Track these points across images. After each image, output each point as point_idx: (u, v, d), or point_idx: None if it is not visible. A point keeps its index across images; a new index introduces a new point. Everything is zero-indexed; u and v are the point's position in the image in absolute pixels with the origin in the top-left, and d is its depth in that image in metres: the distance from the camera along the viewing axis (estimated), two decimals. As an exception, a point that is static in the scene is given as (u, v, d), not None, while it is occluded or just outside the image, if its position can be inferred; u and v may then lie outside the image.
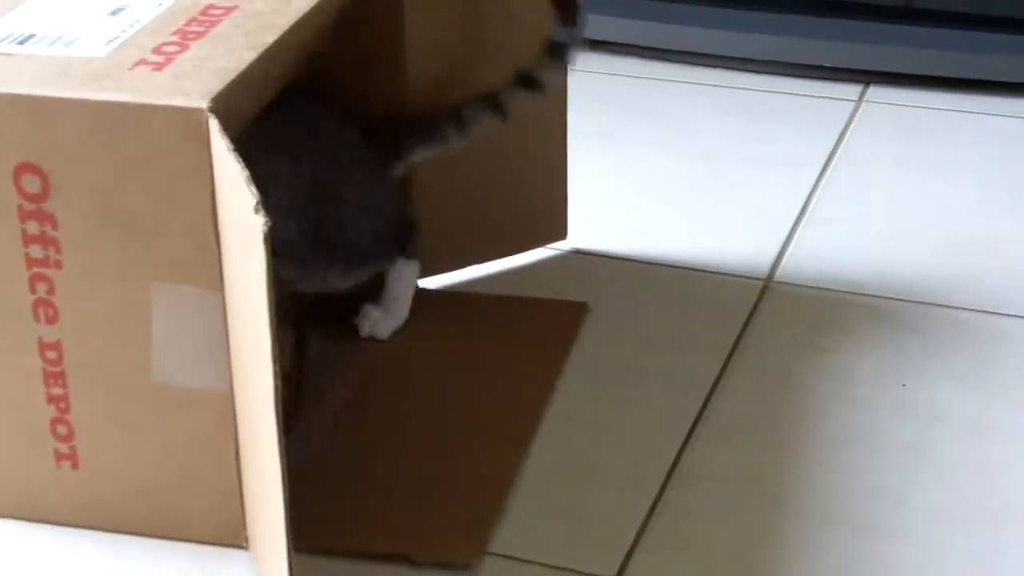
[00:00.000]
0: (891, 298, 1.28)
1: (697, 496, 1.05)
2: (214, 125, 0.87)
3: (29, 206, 0.92)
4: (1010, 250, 1.35)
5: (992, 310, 1.26)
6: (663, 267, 1.33)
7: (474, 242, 1.30)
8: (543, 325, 1.23)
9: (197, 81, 0.90)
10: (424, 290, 1.27)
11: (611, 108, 1.62)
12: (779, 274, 1.31)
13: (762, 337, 1.22)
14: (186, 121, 0.88)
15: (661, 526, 1.02)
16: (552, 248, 1.34)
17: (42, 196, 0.92)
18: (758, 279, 1.30)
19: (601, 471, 1.08)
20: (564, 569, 0.98)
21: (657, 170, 1.50)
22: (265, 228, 0.78)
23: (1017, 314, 1.25)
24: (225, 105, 0.88)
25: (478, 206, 1.27)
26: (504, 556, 0.99)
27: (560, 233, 1.33)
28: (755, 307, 1.26)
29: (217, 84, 0.89)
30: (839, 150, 1.53)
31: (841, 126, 1.59)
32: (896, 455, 1.08)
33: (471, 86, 1.19)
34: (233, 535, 0.99)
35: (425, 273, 1.26)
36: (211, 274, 0.91)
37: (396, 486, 1.05)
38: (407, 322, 1.22)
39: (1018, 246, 1.36)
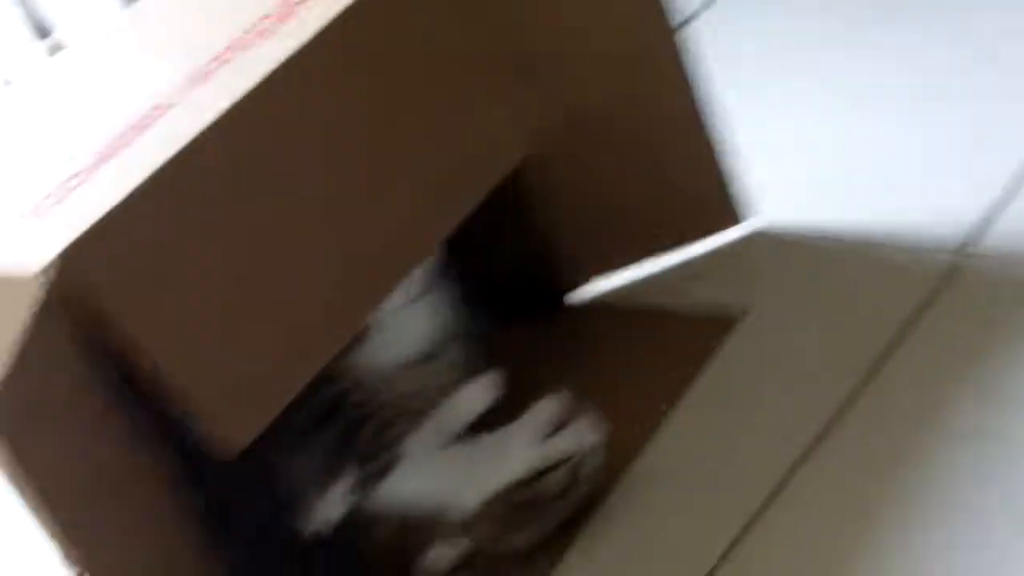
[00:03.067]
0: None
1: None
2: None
3: None
4: None
5: None
6: (847, 243, 1.18)
7: (630, 240, 1.21)
8: (679, 342, 1.14)
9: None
10: (570, 304, 1.23)
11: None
12: (980, 244, 1.13)
13: (929, 337, 1.06)
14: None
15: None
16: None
17: None
18: (947, 252, 1.13)
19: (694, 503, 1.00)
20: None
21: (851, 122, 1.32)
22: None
23: None
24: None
25: (623, 205, 1.18)
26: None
27: (728, 219, 1.21)
28: (934, 294, 1.10)
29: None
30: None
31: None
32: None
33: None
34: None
35: (588, 276, 1.22)
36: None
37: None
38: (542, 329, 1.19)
39: None
